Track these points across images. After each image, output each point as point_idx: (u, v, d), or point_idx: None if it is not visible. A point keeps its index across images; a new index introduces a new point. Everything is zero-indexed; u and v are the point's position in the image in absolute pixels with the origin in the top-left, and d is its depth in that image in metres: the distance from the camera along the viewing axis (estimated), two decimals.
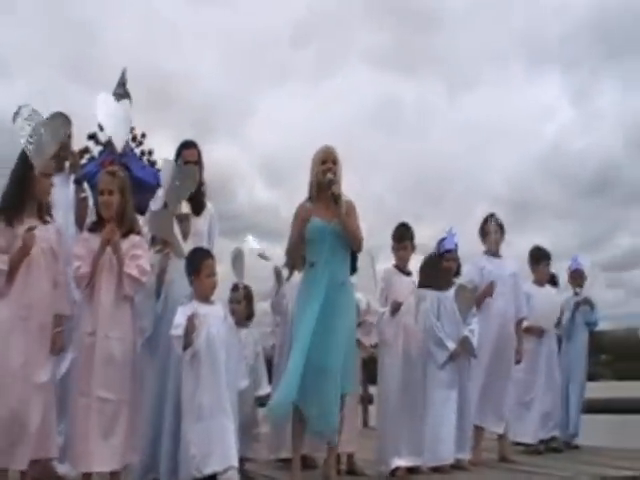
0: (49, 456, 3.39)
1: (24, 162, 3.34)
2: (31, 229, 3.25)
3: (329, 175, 3.88)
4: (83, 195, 4.10)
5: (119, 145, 3.98)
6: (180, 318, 3.55)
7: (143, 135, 5.53)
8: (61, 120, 3.53)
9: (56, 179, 3.80)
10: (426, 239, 4.85)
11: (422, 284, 4.94)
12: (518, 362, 5.49)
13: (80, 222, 4.02)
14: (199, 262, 3.72)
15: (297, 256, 4.02)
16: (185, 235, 4.03)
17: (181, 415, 3.61)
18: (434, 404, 4.76)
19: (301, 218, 3.92)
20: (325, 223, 3.88)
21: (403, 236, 4.77)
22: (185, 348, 3.52)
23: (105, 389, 3.38)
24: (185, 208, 4.01)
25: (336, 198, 3.80)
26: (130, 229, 3.61)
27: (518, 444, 5.91)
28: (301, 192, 4.06)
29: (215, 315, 3.71)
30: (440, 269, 5.00)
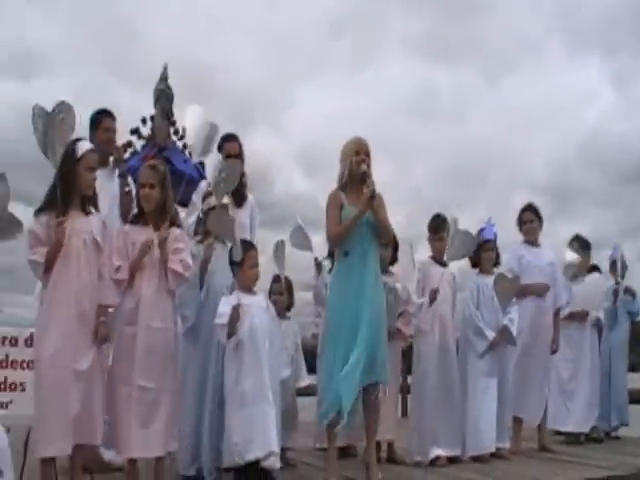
0: (92, 442, 3.41)
1: (69, 157, 3.38)
2: (61, 223, 3.27)
3: (363, 167, 3.88)
4: (127, 189, 4.19)
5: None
6: (224, 307, 3.61)
7: (185, 129, 5.59)
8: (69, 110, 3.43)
9: (101, 173, 3.85)
10: (465, 228, 4.80)
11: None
12: (554, 352, 5.46)
13: (125, 215, 4.11)
14: (245, 253, 3.78)
15: (343, 242, 3.92)
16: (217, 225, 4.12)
17: (223, 402, 3.68)
18: (474, 393, 4.78)
19: (337, 205, 3.91)
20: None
21: (439, 227, 4.77)
22: (229, 337, 3.59)
23: (145, 378, 3.47)
24: (226, 199, 4.07)
25: (372, 193, 3.77)
26: (171, 222, 3.67)
27: (559, 433, 5.88)
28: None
29: (258, 305, 3.77)
30: (480, 257, 5.01)
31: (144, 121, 5.48)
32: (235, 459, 3.55)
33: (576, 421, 5.73)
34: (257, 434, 3.54)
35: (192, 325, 3.91)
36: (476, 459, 4.66)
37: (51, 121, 3.30)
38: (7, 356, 6.65)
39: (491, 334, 4.80)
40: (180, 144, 5.58)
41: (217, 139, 4.15)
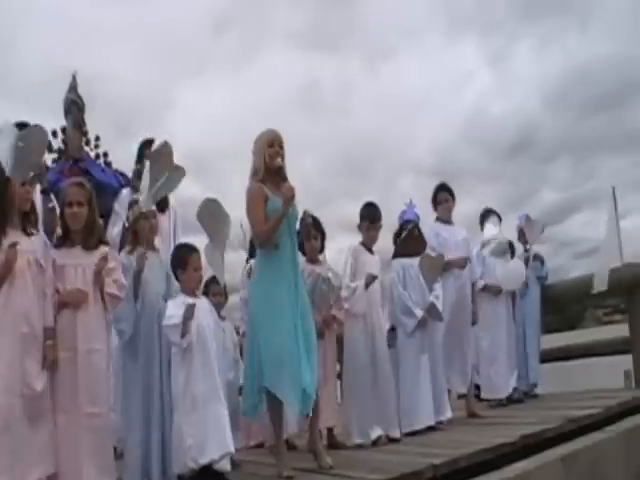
0: (48, 473, 3.25)
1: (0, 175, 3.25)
2: (13, 245, 3.18)
3: (278, 160, 3.91)
4: (51, 205, 4.07)
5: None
6: (174, 310, 3.63)
7: (97, 138, 5.49)
8: (40, 133, 3.49)
9: None
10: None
11: (397, 255, 5.24)
12: (474, 323, 5.79)
13: (50, 233, 3.99)
14: (186, 257, 3.82)
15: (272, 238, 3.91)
16: (155, 232, 4.10)
17: (171, 409, 3.70)
18: (406, 371, 4.99)
19: (261, 199, 3.86)
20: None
21: (377, 217, 4.92)
22: (182, 336, 3.61)
23: (92, 404, 3.38)
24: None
25: (292, 192, 3.79)
26: (99, 239, 3.63)
27: (481, 400, 6.21)
28: (227, 182, 4.06)
29: (203, 307, 3.80)
30: (408, 238, 5.20)
31: (54, 134, 5.32)
32: (188, 464, 3.56)
33: (503, 387, 6.08)
34: (211, 435, 3.58)
35: (129, 338, 3.85)
36: (413, 434, 4.86)
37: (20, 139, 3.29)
38: None
39: (419, 312, 5.03)
40: (93, 154, 5.47)
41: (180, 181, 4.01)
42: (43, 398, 3.25)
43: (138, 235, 3.95)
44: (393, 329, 5.10)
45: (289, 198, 3.79)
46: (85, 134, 5.16)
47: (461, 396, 5.84)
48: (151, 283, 3.91)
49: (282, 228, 3.88)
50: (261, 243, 3.92)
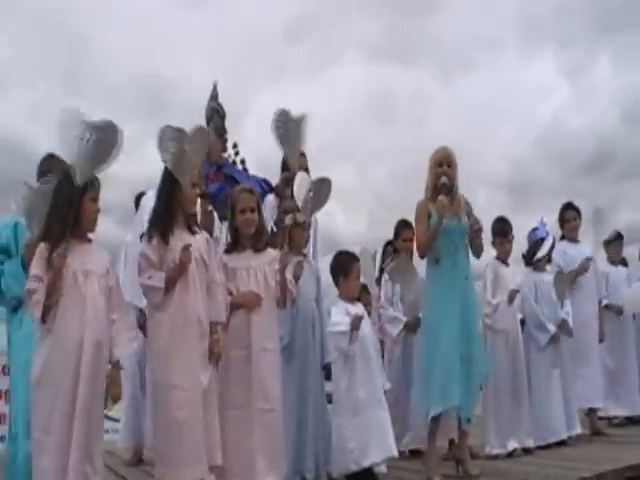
0: (217, 463, 3.28)
1: (169, 177, 3.33)
2: (187, 247, 3.23)
3: (443, 179, 4.09)
4: (210, 208, 4.27)
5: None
6: (338, 316, 3.85)
7: (235, 145, 5.71)
8: (203, 134, 3.59)
9: None
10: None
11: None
12: (601, 341, 5.81)
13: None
14: (349, 265, 4.02)
15: (430, 249, 4.14)
16: (306, 242, 4.30)
17: (323, 411, 3.91)
18: (539, 385, 5.07)
19: (424, 215, 4.12)
20: (449, 220, 4.10)
21: (510, 230, 5.05)
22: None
23: (265, 400, 3.47)
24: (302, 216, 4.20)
25: (445, 202, 4.01)
26: (267, 242, 3.74)
27: (601, 418, 6.17)
28: None
29: (363, 315, 3.96)
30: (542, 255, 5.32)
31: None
32: (350, 466, 3.73)
33: (628, 405, 6.04)
34: (374, 440, 3.73)
35: (286, 343, 4.00)
36: (544, 448, 4.92)
37: (186, 143, 3.31)
38: None
39: (552, 327, 5.11)
40: (237, 158, 5.70)
41: (329, 192, 4.19)
42: (210, 392, 3.29)
43: (293, 242, 4.07)
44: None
45: (440, 209, 3.99)
46: (225, 141, 5.37)
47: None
48: (303, 288, 4.04)
49: (446, 243, 4.09)
50: (420, 254, 4.12)
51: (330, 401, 4.14)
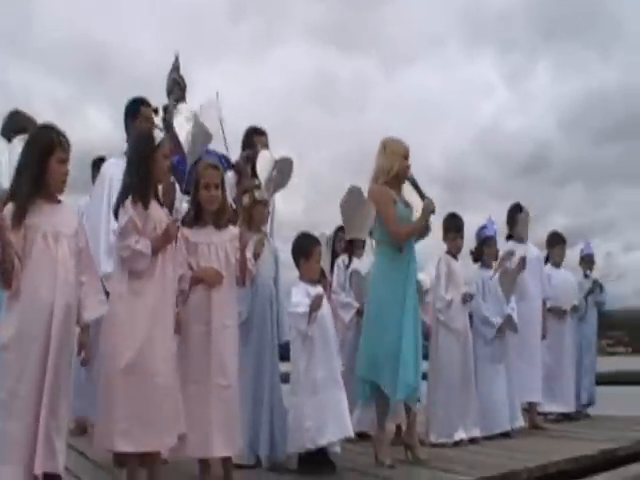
0: (182, 432, 3.26)
1: (147, 145, 3.29)
2: (175, 221, 3.26)
3: (411, 173, 4.21)
4: (171, 179, 4.16)
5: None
6: (298, 297, 3.82)
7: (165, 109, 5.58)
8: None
9: None
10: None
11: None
12: (544, 337, 6.01)
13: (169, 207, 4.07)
14: (311, 247, 3.99)
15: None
16: (266, 220, 4.31)
17: (278, 391, 3.95)
18: (484, 378, 5.21)
19: (391, 201, 4.15)
20: (408, 210, 4.21)
21: (461, 227, 5.19)
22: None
23: (223, 376, 3.45)
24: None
25: (433, 208, 4.12)
26: (228, 219, 3.71)
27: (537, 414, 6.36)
28: None
29: (323, 295, 3.95)
30: (483, 253, 5.50)
31: (155, 112, 5.42)
32: (306, 444, 3.71)
33: (563, 402, 6.26)
34: (331, 419, 3.73)
35: (244, 319, 3.98)
36: (488, 439, 5.04)
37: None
38: None
39: (498, 320, 5.28)
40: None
41: (291, 172, 4.16)
42: (175, 366, 3.27)
43: (253, 220, 4.10)
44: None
45: (430, 211, 4.10)
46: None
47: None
48: (262, 266, 4.04)
49: None
50: (396, 242, 4.16)
51: (285, 381, 4.12)
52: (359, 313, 5.10)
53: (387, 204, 4.12)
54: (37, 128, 2.98)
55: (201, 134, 3.60)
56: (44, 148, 2.86)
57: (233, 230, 3.69)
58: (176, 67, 5.21)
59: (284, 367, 4.18)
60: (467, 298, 5.04)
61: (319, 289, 3.99)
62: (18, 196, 2.81)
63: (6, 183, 3.12)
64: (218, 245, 3.60)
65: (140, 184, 3.25)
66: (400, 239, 4.14)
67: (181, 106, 3.82)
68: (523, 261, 5.50)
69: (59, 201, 2.98)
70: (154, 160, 3.28)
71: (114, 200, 3.42)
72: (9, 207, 2.77)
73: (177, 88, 5.12)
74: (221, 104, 4.23)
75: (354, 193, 4.05)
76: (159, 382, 3.11)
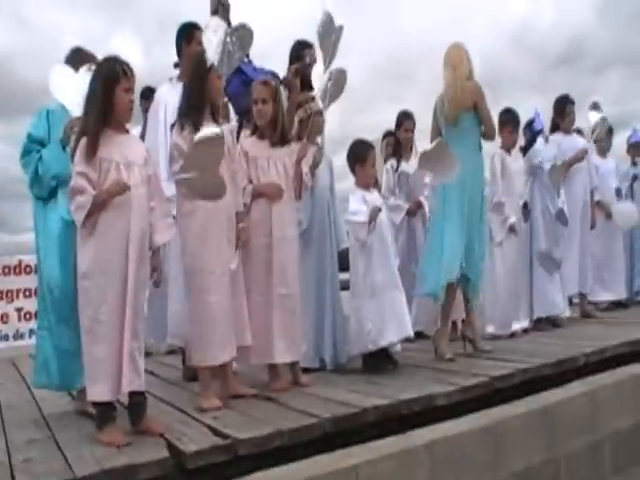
0: (246, 343, 3.47)
1: (201, 67, 3.34)
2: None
3: None
4: (225, 100, 4.21)
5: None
6: (356, 205, 3.88)
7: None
8: (248, 31, 3.59)
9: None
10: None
11: None
12: (592, 227, 6.05)
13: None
14: (366, 153, 4.02)
15: None
16: (321, 131, 4.22)
17: (352, 295, 3.98)
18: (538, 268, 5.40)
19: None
20: None
21: (518, 121, 5.19)
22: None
23: (285, 286, 3.59)
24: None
25: None
26: (284, 135, 3.72)
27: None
28: None
29: (379, 202, 4.02)
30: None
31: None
32: (368, 346, 3.86)
33: (614, 290, 6.37)
34: (391, 320, 3.86)
35: (305, 228, 4.05)
36: (540, 329, 5.23)
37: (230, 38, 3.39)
38: None
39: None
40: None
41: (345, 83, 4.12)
42: (238, 277, 3.42)
43: (311, 130, 4.06)
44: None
45: None
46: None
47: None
48: (319, 176, 4.10)
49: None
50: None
51: (344, 289, 4.24)
52: (409, 213, 5.20)
53: (486, 101, 4.26)
54: (102, 60, 2.99)
55: (237, 43, 3.55)
56: (109, 78, 2.88)
57: (292, 146, 3.75)
58: None
59: (342, 276, 4.29)
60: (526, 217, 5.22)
61: (375, 195, 4.05)
62: (89, 128, 2.86)
63: (76, 111, 3.15)
64: (277, 159, 3.68)
65: (190, 108, 3.31)
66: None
67: (210, 21, 3.76)
68: (582, 153, 5.60)
69: (127, 131, 3.03)
70: (207, 81, 3.33)
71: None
72: (82, 141, 2.83)
73: (221, 9, 5.06)
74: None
75: (443, 146, 4.05)
76: (216, 298, 3.26)
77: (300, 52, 4.60)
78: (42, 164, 3.29)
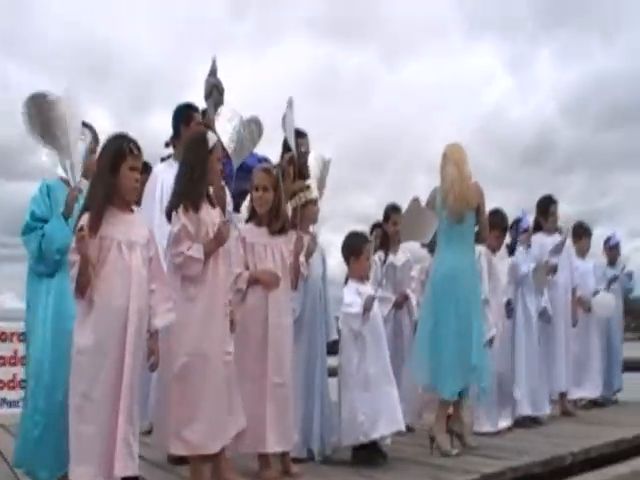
0: (242, 428, 3.42)
1: (202, 148, 3.37)
2: (226, 222, 3.34)
3: None
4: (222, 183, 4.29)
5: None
6: (351, 297, 3.96)
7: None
8: (259, 124, 3.69)
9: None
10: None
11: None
12: (574, 325, 6.16)
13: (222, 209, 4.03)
14: (362, 245, 4.12)
15: None
16: (316, 219, 4.29)
17: (345, 386, 3.99)
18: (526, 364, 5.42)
19: None
20: None
21: (507, 224, 5.35)
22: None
23: (279, 375, 3.58)
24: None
25: None
26: (284, 224, 3.76)
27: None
28: None
29: (375, 296, 4.07)
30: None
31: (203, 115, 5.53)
32: (359, 438, 3.86)
33: (591, 388, 6.44)
34: (383, 413, 3.87)
35: (297, 316, 4.03)
36: (520, 425, 5.23)
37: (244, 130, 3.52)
38: (16, 352, 6.61)
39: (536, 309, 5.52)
40: None
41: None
42: (232, 363, 3.39)
43: (305, 219, 4.10)
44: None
45: None
46: None
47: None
48: (312, 265, 4.13)
49: None
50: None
51: (330, 374, 4.25)
52: (396, 305, 5.27)
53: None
54: (110, 137, 3.03)
55: (248, 136, 3.67)
56: (115, 156, 2.92)
57: (290, 234, 3.79)
58: (213, 71, 5.29)
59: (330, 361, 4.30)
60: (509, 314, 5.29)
61: (368, 287, 4.12)
62: (93, 205, 2.87)
63: (76, 178, 3.22)
64: (274, 246, 3.71)
65: (192, 188, 3.33)
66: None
67: (223, 108, 3.89)
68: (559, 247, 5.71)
69: (132, 210, 3.05)
70: (208, 163, 3.36)
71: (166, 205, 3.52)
72: (85, 217, 2.84)
73: (216, 92, 5.21)
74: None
75: (416, 203, 4.17)
76: (213, 384, 3.23)
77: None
78: (45, 240, 3.33)
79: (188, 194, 3.32)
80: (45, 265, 3.36)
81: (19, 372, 6.53)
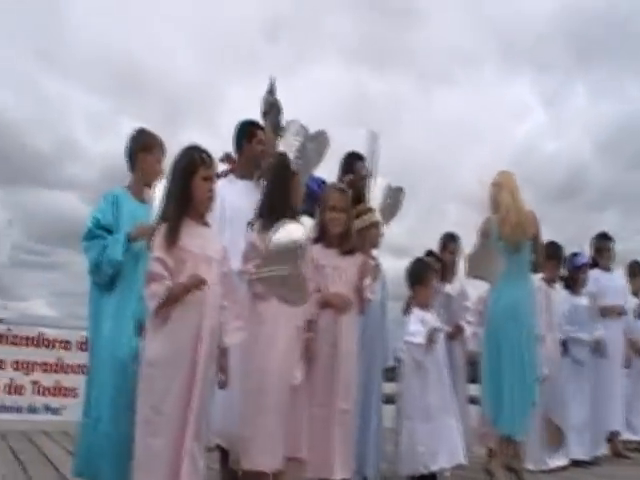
0: (300, 455, 3.34)
1: (286, 170, 3.42)
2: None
3: None
4: None
5: None
6: (415, 326, 3.95)
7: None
8: (325, 137, 3.68)
9: (248, 184, 4.07)
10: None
11: None
12: (627, 367, 6.10)
13: None
14: (427, 274, 4.13)
15: None
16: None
17: (406, 415, 3.97)
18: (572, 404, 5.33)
19: None
20: None
21: (562, 256, 5.31)
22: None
23: (345, 401, 3.48)
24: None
25: None
26: (353, 246, 3.68)
27: None
28: None
29: (436, 322, 4.08)
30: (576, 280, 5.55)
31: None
32: (419, 468, 3.82)
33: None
34: (443, 446, 3.83)
35: None
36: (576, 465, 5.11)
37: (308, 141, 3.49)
38: (59, 359, 6.73)
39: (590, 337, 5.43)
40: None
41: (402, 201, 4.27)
42: (301, 387, 3.31)
43: (368, 242, 4.05)
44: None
45: None
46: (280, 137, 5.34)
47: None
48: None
49: None
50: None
51: (386, 402, 4.21)
52: (449, 336, 5.19)
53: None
54: (182, 148, 3.00)
55: (314, 151, 3.66)
56: (187, 167, 2.89)
57: (359, 257, 3.70)
58: (272, 90, 5.34)
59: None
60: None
61: (433, 315, 4.10)
62: (169, 218, 2.84)
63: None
64: (343, 269, 3.61)
65: (273, 209, 3.31)
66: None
67: (290, 123, 3.88)
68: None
69: (206, 223, 3.00)
70: (292, 185, 3.37)
71: (229, 221, 3.63)
72: (162, 229, 2.81)
73: (275, 110, 5.25)
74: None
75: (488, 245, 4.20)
76: (273, 405, 3.18)
77: (352, 163, 4.61)
78: (105, 253, 3.35)
79: (268, 215, 3.30)
80: (98, 276, 3.38)
81: (63, 380, 6.60)
